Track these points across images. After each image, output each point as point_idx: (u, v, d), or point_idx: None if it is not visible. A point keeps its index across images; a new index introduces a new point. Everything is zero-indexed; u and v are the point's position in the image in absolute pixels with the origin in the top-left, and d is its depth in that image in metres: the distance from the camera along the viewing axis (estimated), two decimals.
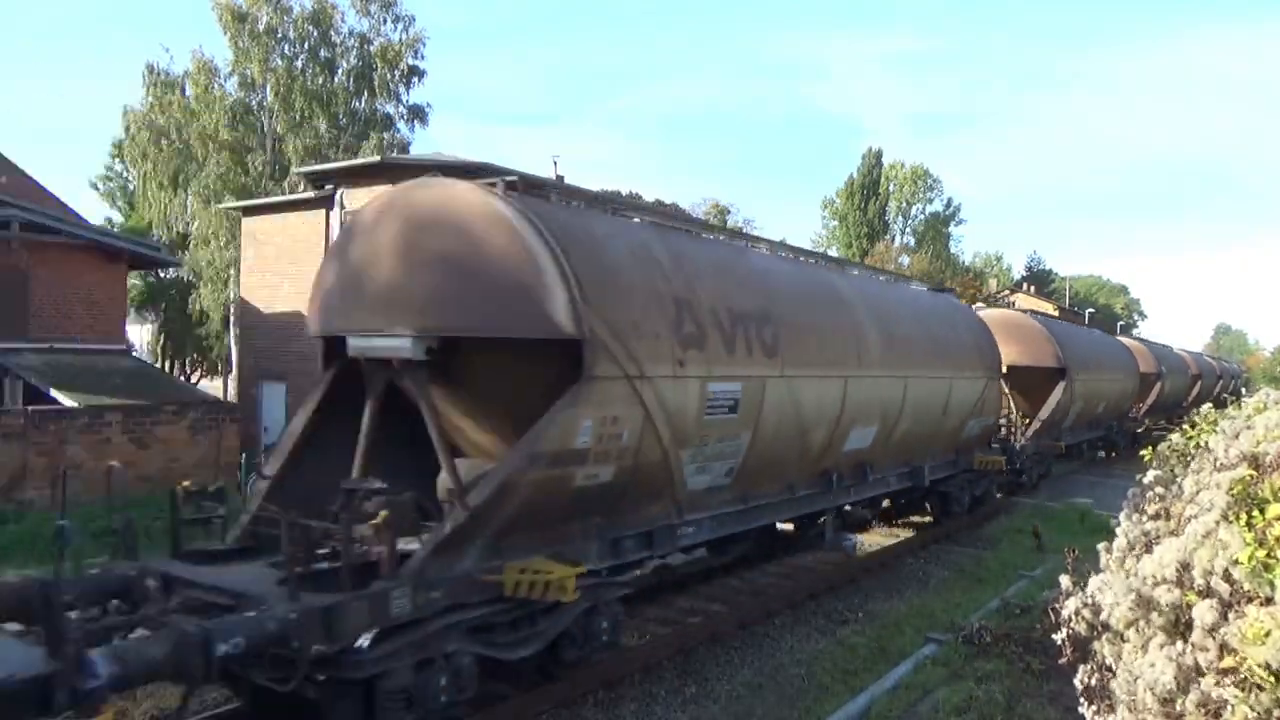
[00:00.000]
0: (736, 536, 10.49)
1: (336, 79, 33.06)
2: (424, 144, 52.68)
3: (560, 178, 16.02)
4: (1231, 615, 3.42)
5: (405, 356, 7.21)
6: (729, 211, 61.87)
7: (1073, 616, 4.40)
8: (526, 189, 7.76)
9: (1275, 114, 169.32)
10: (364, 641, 5.98)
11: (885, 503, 15.55)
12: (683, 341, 8.07)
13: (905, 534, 15.71)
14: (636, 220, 9.09)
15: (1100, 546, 4.80)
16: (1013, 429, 19.98)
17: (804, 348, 10.03)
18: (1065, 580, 4.70)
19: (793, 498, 10.85)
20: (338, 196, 21.96)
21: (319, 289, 8.04)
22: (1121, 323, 78.29)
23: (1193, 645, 3.47)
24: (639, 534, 8.38)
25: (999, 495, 18.95)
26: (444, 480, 7.37)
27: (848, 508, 13.49)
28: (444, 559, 6.50)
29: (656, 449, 7.94)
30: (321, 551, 6.54)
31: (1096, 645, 4.22)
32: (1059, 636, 4.60)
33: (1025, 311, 25.61)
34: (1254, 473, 3.93)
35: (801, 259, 12.52)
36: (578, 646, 7.63)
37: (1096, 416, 25.68)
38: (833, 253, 56.64)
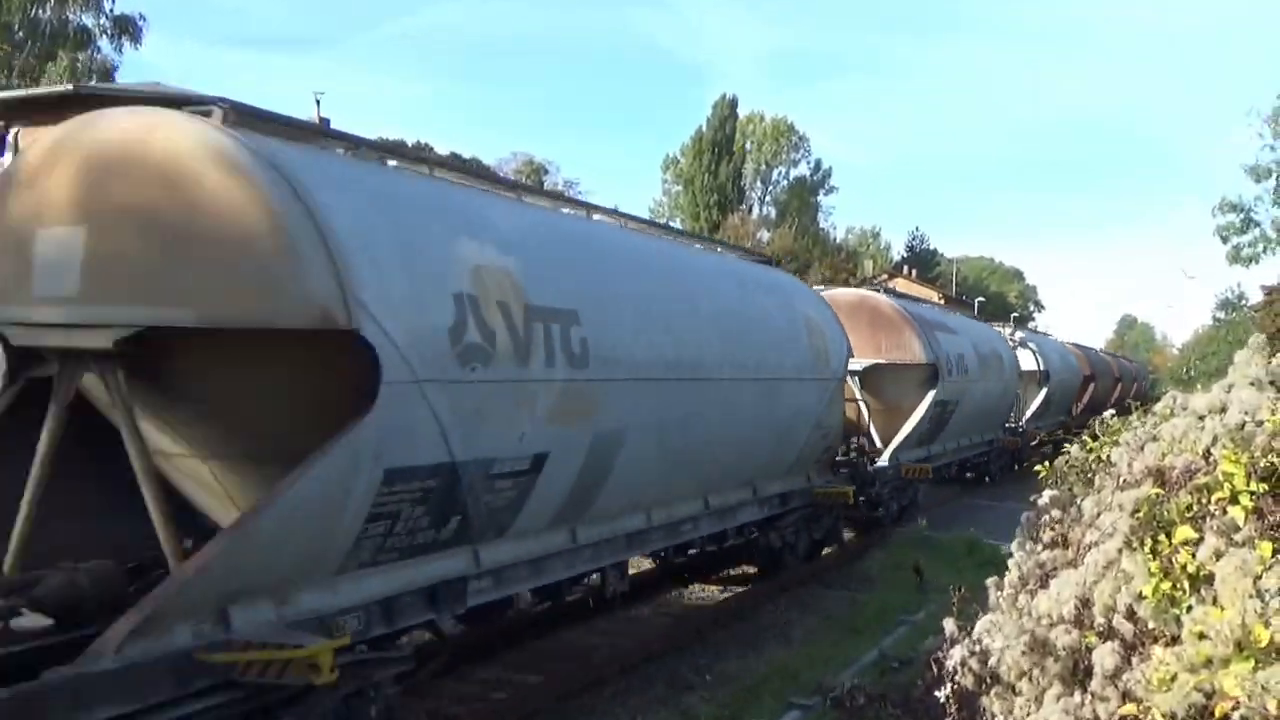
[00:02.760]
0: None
1: None
2: (136, 69, 50.19)
3: (325, 121, 15.53)
4: (1135, 659, 3.70)
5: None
6: (546, 170, 62.07)
7: (958, 668, 4.66)
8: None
9: (1194, 75, 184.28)
10: None
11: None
12: None
13: (761, 576, 16.05)
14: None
15: (989, 582, 5.11)
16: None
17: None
18: (950, 625, 4.96)
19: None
20: (10, 137, 20.57)
21: None
22: (1016, 314, 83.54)
23: (1092, 695, 3.73)
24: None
25: (849, 535, 18.10)
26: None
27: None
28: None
29: None
30: None
31: (985, 701, 4.47)
32: (942, 693, 4.85)
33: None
34: (1160, 490, 4.26)
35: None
36: None
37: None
38: (676, 225, 55.76)
